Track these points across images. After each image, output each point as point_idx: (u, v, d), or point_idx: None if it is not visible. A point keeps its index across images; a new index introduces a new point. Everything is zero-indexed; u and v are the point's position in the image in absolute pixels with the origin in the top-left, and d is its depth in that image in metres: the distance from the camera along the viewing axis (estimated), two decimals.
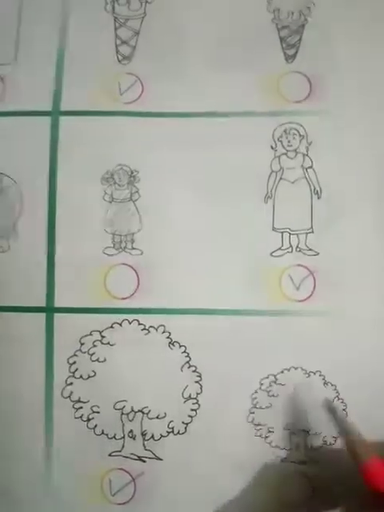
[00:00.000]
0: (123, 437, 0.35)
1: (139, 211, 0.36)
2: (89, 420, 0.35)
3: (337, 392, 0.34)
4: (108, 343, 0.35)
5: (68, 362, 0.35)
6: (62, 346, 0.35)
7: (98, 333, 0.35)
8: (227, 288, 0.35)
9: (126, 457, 0.35)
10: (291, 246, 0.36)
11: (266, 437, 0.34)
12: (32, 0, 0.39)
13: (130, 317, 0.35)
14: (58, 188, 0.36)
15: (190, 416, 0.35)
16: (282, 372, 0.35)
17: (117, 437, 0.35)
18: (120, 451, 0.35)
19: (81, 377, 0.35)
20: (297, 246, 0.36)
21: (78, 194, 0.36)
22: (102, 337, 0.35)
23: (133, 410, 0.35)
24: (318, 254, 0.35)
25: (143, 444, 0.35)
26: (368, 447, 0.29)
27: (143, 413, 0.35)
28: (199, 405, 0.35)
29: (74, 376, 0.35)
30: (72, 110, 0.37)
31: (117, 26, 0.38)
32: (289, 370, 0.35)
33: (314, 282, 0.35)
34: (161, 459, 0.34)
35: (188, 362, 0.35)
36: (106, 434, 0.35)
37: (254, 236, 0.36)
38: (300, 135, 0.36)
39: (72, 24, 0.38)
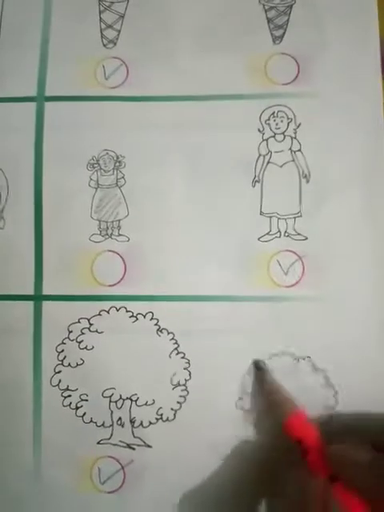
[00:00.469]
0: (112, 424, 0.35)
1: (125, 197, 0.36)
2: (77, 408, 0.35)
3: (326, 377, 0.34)
4: (96, 331, 0.35)
5: (56, 350, 0.35)
6: (50, 334, 0.35)
7: (86, 320, 0.35)
8: (215, 274, 0.35)
9: (115, 444, 0.34)
10: (279, 230, 0.35)
11: (255, 422, 0.34)
12: None
13: (118, 304, 0.35)
14: (44, 174, 0.36)
15: (178, 403, 0.34)
16: (271, 358, 0.34)
17: (105, 424, 0.35)
18: (109, 439, 0.35)
19: (69, 365, 0.35)
20: (285, 231, 0.35)
21: (64, 180, 0.36)
22: (90, 324, 0.35)
23: (121, 398, 0.35)
24: (306, 238, 0.35)
25: (132, 431, 0.34)
26: (293, 403, 0.32)
27: (132, 400, 0.35)
28: (188, 391, 0.34)
29: (62, 364, 0.35)
30: (57, 95, 0.37)
31: (101, 9, 0.38)
32: (278, 355, 0.34)
33: (303, 266, 0.35)
34: (150, 446, 0.34)
35: (176, 349, 0.35)
36: (95, 422, 0.35)
37: (241, 221, 0.35)
38: (288, 118, 0.36)
39: (56, 8, 0.38)
